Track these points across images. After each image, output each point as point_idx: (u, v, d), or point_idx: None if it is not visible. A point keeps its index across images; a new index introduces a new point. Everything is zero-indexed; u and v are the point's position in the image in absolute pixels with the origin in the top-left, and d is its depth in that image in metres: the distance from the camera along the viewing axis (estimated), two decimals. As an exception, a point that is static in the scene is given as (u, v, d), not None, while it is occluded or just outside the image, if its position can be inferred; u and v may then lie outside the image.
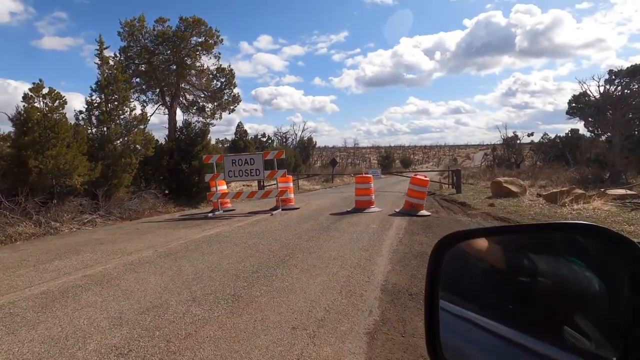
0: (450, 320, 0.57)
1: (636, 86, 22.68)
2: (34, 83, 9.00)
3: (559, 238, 0.56)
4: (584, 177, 17.48)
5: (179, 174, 12.58)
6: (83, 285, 3.97)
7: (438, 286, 0.58)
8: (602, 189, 11.48)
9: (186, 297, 3.47)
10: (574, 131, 31.13)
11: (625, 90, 21.52)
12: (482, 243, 0.61)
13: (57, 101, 9.20)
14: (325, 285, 3.72)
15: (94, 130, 10.67)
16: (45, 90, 9.01)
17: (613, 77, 22.25)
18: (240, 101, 16.30)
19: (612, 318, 0.46)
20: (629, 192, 10.74)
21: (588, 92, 21.73)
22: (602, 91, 20.68)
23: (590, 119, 24.15)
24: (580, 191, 10.25)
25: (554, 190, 10.62)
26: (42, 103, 8.98)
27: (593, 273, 0.49)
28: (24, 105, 8.83)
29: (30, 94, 8.89)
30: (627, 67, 23.29)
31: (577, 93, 26.18)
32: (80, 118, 10.57)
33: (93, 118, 10.60)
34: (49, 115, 8.92)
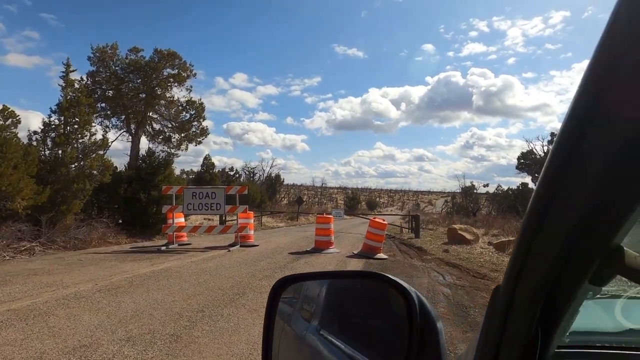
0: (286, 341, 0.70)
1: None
2: (-14, 99, 8.62)
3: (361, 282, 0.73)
4: (532, 229, 18.58)
5: (135, 204, 12.07)
6: (5, 320, 3.63)
7: (274, 317, 0.69)
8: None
9: (120, 336, 3.26)
10: (524, 185, 33.68)
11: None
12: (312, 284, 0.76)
13: (10, 119, 8.80)
14: (271, 327, 3.64)
15: (47, 153, 10.18)
16: (-2, 108, 8.62)
17: (554, 138, 24.74)
18: (208, 134, 16.30)
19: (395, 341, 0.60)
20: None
21: (534, 150, 23.85)
22: (546, 150, 22.82)
23: (536, 175, 26.34)
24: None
25: (504, 240, 11.25)
26: (-8, 120, 8.55)
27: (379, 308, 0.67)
28: (-29, 121, 8.36)
29: (-20, 110, 8.47)
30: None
31: (525, 150, 28.64)
32: (34, 139, 10.10)
33: (48, 140, 10.16)
34: (-2, 133, 8.46)
